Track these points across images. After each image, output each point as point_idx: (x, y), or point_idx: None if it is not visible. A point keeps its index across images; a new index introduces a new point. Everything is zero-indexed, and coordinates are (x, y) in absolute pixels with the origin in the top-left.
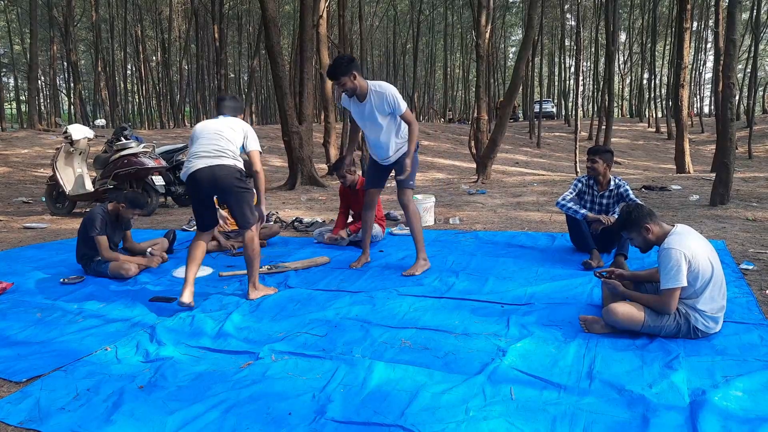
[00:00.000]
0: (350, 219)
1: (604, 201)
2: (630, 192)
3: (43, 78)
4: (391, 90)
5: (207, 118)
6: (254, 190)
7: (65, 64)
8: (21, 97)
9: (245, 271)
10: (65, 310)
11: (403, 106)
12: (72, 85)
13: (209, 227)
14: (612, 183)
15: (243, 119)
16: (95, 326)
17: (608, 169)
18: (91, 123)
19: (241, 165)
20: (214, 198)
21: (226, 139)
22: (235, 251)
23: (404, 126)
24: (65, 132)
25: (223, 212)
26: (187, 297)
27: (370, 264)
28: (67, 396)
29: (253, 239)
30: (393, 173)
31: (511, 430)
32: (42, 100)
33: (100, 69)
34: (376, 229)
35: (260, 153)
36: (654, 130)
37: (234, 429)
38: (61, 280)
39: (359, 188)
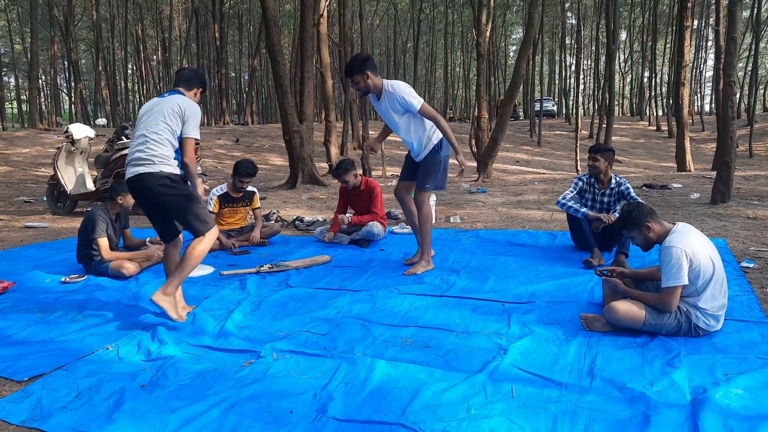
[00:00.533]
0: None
1: (605, 199)
2: (631, 190)
3: (43, 77)
4: (401, 89)
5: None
6: (196, 193)
7: (66, 63)
8: (22, 97)
9: (247, 270)
10: (66, 309)
11: (417, 103)
12: (73, 84)
13: (171, 238)
14: (613, 181)
15: (201, 94)
16: (96, 325)
17: (609, 168)
18: (92, 122)
19: (171, 169)
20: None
21: (152, 140)
22: (237, 249)
23: (430, 124)
24: (66, 131)
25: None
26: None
27: (371, 262)
28: (68, 395)
29: (201, 243)
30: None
31: (513, 428)
32: (43, 100)
33: (100, 68)
34: (378, 227)
35: (196, 142)
36: (655, 128)
37: (235, 427)
38: (62, 279)
39: (363, 189)
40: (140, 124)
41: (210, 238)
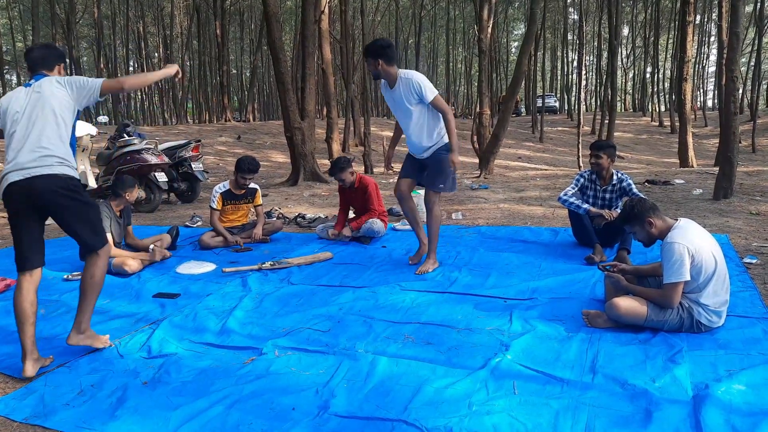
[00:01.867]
0: (351, 215)
1: (607, 195)
2: (633, 186)
3: None
4: (417, 77)
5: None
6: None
7: (67, 60)
8: None
9: (249, 267)
10: (69, 307)
11: (430, 93)
12: None
13: (36, 264)
14: (615, 177)
15: (64, 71)
16: (99, 322)
17: (611, 164)
18: (93, 120)
19: (72, 171)
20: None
21: (46, 134)
22: (243, 246)
23: (440, 120)
24: None
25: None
26: (29, 369)
27: (373, 259)
28: (71, 392)
29: (97, 265)
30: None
31: (514, 425)
32: None
33: (102, 66)
34: (378, 224)
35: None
36: (657, 124)
37: (238, 424)
38: (65, 276)
39: (357, 186)
40: (14, 123)
41: (105, 255)
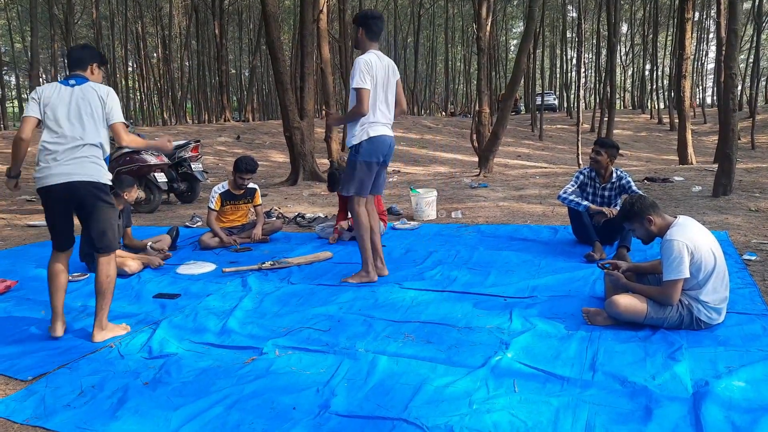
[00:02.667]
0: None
1: (606, 193)
2: (632, 184)
3: (44, 76)
4: (357, 60)
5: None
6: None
7: (66, 61)
8: (23, 95)
9: (249, 267)
10: (69, 308)
11: (356, 80)
12: None
13: (68, 246)
14: (614, 175)
15: (99, 69)
16: None
17: (611, 163)
18: None
19: (103, 173)
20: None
21: (81, 137)
22: (240, 246)
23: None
24: None
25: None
26: (58, 329)
27: None
28: (72, 393)
29: (109, 264)
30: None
31: (515, 423)
32: None
33: None
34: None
35: (125, 125)
36: (656, 121)
37: (238, 424)
38: None
39: None
40: (57, 123)
41: (113, 257)
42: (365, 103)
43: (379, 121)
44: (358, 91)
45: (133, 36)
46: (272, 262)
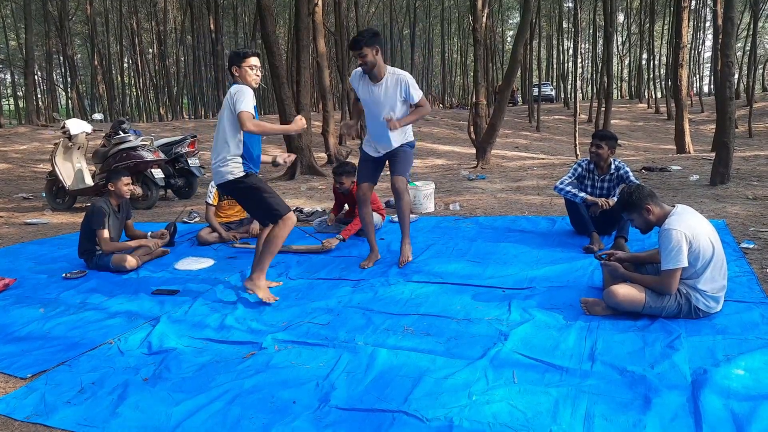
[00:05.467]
0: (345, 208)
1: (605, 185)
2: (630, 174)
3: (39, 73)
4: (407, 77)
5: (205, 110)
6: (258, 185)
7: (61, 58)
8: (18, 93)
9: (254, 245)
10: (68, 305)
11: (418, 95)
12: (69, 79)
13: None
14: (612, 166)
15: (239, 72)
16: (98, 320)
17: (611, 155)
18: (89, 117)
19: (230, 168)
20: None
21: (219, 138)
22: (238, 242)
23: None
24: (63, 127)
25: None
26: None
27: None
28: (72, 390)
29: (282, 228)
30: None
31: (514, 413)
32: (39, 96)
33: (96, 63)
34: (376, 217)
35: (250, 114)
36: (654, 110)
37: (239, 418)
38: (64, 274)
39: (351, 193)
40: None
41: (284, 223)
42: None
43: None
44: (423, 97)
45: (128, 32)
46: None
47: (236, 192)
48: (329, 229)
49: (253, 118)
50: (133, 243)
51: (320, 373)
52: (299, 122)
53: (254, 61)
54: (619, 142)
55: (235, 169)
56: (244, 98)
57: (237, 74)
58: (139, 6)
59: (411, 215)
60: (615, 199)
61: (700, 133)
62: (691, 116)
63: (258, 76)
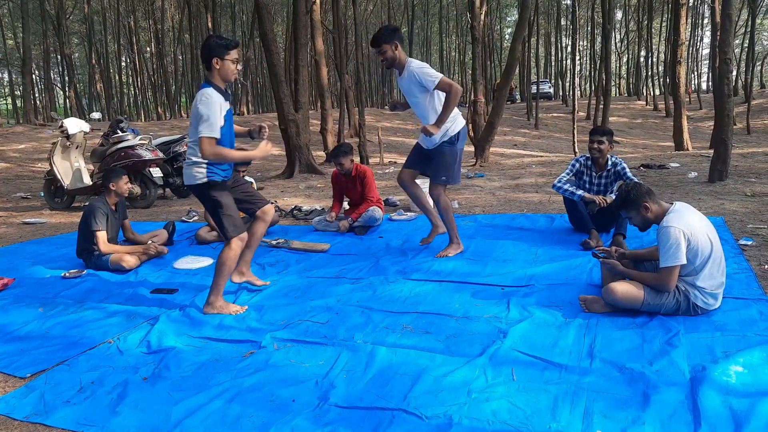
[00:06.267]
0: (346, 206)
1: (603, 181)
2: (627, 170)
3: (37, 72)
4: (415, 67)
5: None
6: (220, 199)
7: (59, 57)
8: (16, 92)
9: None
10: (67, 304)
11: (433, 79)
12: (66, 78)
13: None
14: (609, 162)
15: (220, 65)
16: (97, 319)
17: (610, 150)
18: (86, 116)
19: (193, 171)
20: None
21: (190, 138)
22: None
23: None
24: (61, 126)
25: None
26: (235, 279)
27: (370, 249)
28: (71, 389)
29: (228, 251)
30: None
31: (514, 411)
32: (37, 95)
33: (94, 62)
34: (378, 212)
35: (213, 140)
36: (652, 108)
37: (238, 417)
38: (63, 274)
39: (354, 174)
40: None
41: (236, 243)
42: (456, 83)
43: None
44: (441, 80)
45: (125, 30)
46: (277, 240)
47: (200, 197)
48: (330, 227)
49: (216, 142)
50: (131, 248)
51: (320, 372)
52: (264, 147)
53: (236, 53)
54: (617, 139)
55: (198, 174)
56: (210, 117)
57: (218, 67)
58: (137, 4)
59: (409, 213)
60: (612, 196)
61: (698, 130)
62: (690, 113)
63: (239, 69)
